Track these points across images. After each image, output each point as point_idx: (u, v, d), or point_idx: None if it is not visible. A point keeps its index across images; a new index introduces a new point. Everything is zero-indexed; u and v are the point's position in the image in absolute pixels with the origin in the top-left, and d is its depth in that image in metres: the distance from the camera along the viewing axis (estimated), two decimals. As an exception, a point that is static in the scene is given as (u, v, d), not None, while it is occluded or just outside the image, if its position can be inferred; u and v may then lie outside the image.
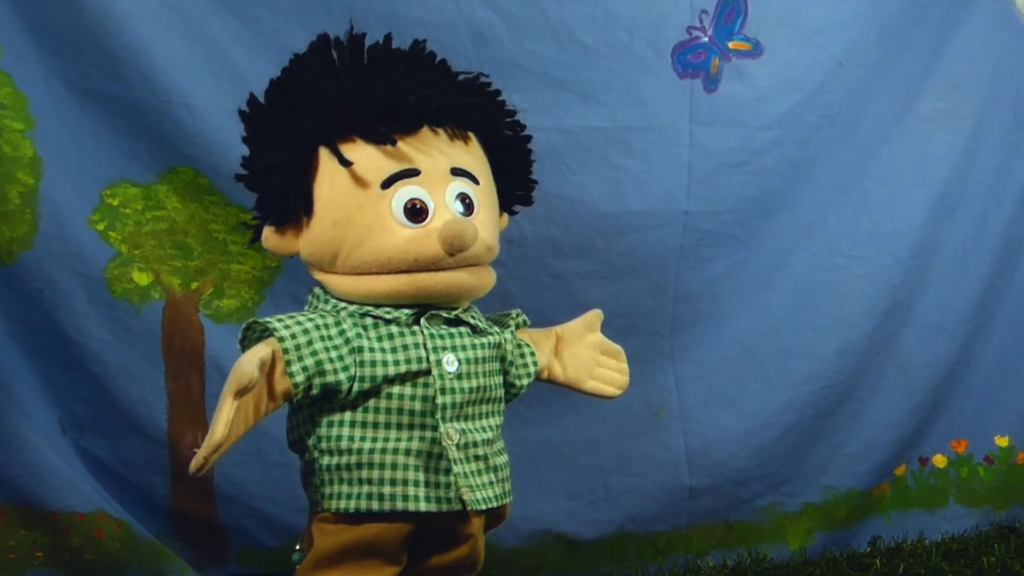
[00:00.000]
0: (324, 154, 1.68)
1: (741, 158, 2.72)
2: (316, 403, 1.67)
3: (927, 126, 2.87)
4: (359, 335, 1.64)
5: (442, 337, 1.69)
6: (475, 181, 1.73)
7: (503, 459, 1.77)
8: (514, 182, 1.89)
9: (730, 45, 2.70)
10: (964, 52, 2.87)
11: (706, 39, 2.68)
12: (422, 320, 1.69)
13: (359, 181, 1.65)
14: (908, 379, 2.91)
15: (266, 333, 1.63)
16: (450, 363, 1.67)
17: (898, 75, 2.84)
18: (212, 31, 2.46)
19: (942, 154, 2.88)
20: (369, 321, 1.67)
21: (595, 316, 1.99)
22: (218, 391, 2.51)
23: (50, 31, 2.38)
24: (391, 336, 1.66)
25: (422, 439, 1.65)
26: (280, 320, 1.62)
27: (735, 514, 2.85)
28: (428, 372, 1.66)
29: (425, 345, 1.67)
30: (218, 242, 2.54)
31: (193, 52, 2.45)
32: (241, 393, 1.53)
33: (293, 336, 1.59)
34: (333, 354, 1.62)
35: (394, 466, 1.64)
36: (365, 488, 1.64)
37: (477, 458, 1.69)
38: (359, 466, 1.64)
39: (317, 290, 1.76)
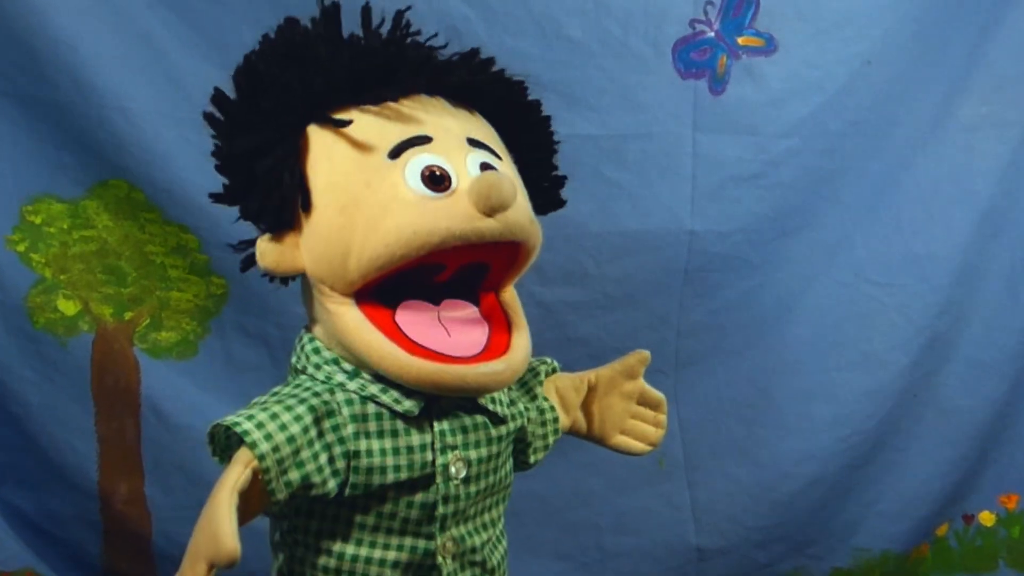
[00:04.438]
0: (314, 132, 1.57)
1: (753, 170, 2.74)
2: None
3: (968, 134, 2.86)
4: (356, 435, 1.54)
5: (453, 433, 1.60)
6: (496, 156, 1.62)
7: (500, 552, 1.74)
8: (536, 177, 1.75)
9: (740, 41, 2.71)
10: (1010, 49, 2.85)
11: (712, 34, 2.70)
12: (434, 419, 1.60)
13: (362, 151, 1.53)
14: (950, 425, 2.90)
15: (237, 436, 1.48)
16: (459, 470, 1.60)
17: (935, 75, 2.83)
18: (148, 26, 2.49)
19: (986, 166, 2.87)
20: (371, 409, 1.56)
21: (638, 361, 1.88)
22: (156, 435, 2.57)
23: (-38, 25, 2.39)
24: (395, 433, 1.56)
25: (414, 549, 1.61)
26: (259, 426, 1.46)
27: (751, 581, 2.85)
28: (431, 477, 1.59)
29: (433, 445, 1.58)
30: (155, 266, 2.57)
31: (127, 49, 2.48)
32: (215, 568, 1.39)
33: (275, 450, 1.46)
34: (323, 460, 1.51)
35: None
36: None
37: (473, 564, 1.67)
38: (339, 571, 1.60)
39: (308, 345, 1.63)
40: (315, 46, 1.54)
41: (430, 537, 1.60)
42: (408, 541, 1.60)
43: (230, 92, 1.58)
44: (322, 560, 1.59)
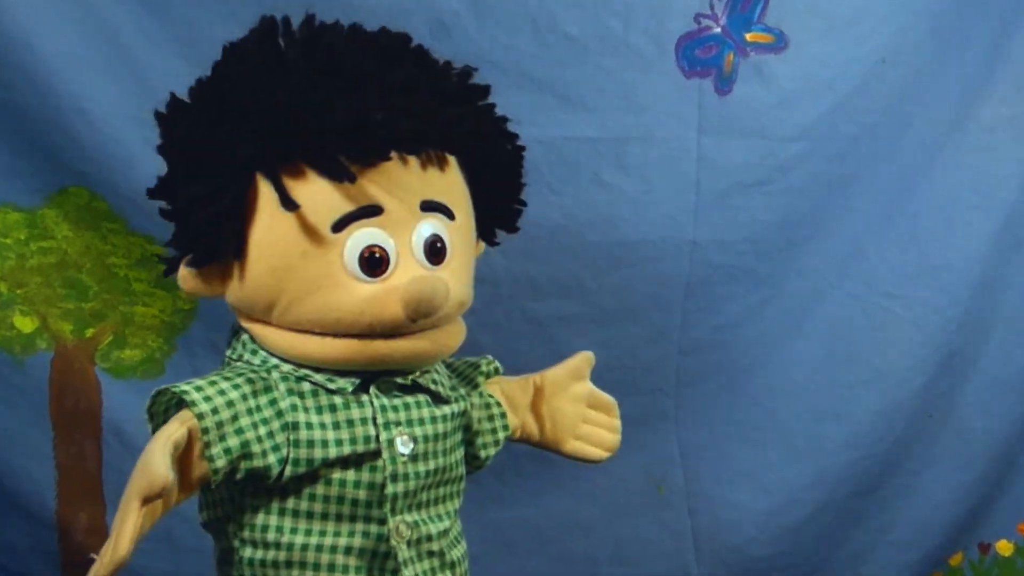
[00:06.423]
0: (263, 183, 1.54)
1: (760, 176, 2.69)
2: (239, 482, 1.57)
3: (989, 136, 2.81)
4: (294, 407, 1.56)
5: (395, 409, 1.62)
6: (450, 216, 1.63)
7: (460, 550, 1.73)
8: (498, 205, 1.78)
9: (747, 37, 2.66)
10: (1035, 46, 2.79)
11: (718, 30, 2.65)
12: (371, 389, 1.62)
13: (304, 222, 1.53)
14: (967, 447, 2.86)
15: (179, 403, 1.51)
16: (404, 444, 1.60)
17: (953, 74, 2.78)
18: (111, 20, 2.43)
19: (1007, 170, 2.82)
20: (307, 387, 1.59)
21: (584, 361, 1.92)
22: (118, 462, 2.51)
23: (-93, 20, 2.32)
24: (333, 408, 1.59)
25: (366, 534, 1.60)
26: (198, 389, 1.50)
27: (755, 612, 2.80)
28: (377, 453, 1.59)
29: (375, 420, 1.59)
30: (119, 279, 2.52)
31: (87, 45, 2.42)
32: (150, 500, 1.40)
33: (215, 411, 1.48)
34: (262, 431, 1.53)
35: (331, 567, 1.59)
36: None
37: (431, 554, 1.65)
38: (289, 564, 1.58)
39: (244, 336, 1.67)
40: (281, 87, 1.51)
41: (382, 521, 1.60)
42: (359, 526, 1.60)
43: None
44: (271, 555, 1.59)
